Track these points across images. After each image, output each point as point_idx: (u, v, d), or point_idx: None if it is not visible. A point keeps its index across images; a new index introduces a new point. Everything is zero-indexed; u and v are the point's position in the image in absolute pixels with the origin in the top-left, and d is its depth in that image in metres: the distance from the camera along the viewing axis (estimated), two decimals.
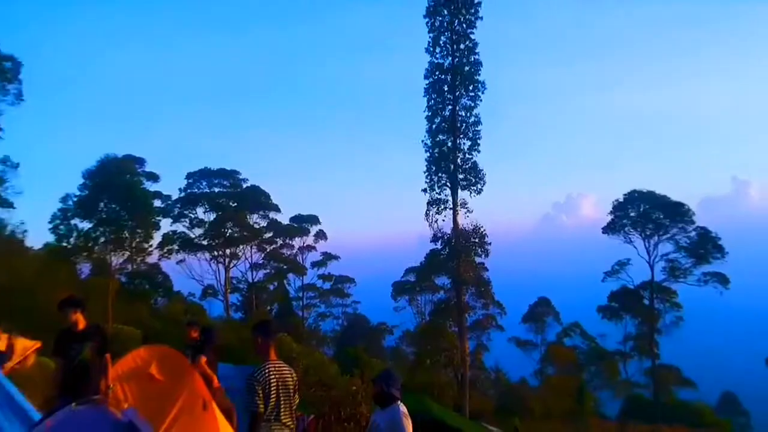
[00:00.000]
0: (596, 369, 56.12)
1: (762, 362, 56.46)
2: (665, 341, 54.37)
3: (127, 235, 39.74)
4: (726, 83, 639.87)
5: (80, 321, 8.30)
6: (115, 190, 38.55)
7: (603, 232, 56.54)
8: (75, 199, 39.10)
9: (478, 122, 39.60)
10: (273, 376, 6.65)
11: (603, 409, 56.86)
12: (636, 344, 55.61)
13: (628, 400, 56.09)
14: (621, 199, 55.75)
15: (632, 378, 56.07)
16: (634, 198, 55.19)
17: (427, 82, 40.26)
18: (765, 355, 56.55)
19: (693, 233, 53.36)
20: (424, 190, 40.06)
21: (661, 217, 53.92)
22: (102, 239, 38.93)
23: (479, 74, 39.58)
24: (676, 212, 53.77)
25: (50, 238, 40.11)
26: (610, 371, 55.78)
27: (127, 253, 41.09)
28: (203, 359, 10.16)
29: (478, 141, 39.55)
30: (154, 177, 52.20)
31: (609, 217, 56.34)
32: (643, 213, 54.61)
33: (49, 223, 39.34)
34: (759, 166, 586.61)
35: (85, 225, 39.08)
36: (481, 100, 39.68)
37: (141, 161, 50.57)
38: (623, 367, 56.69)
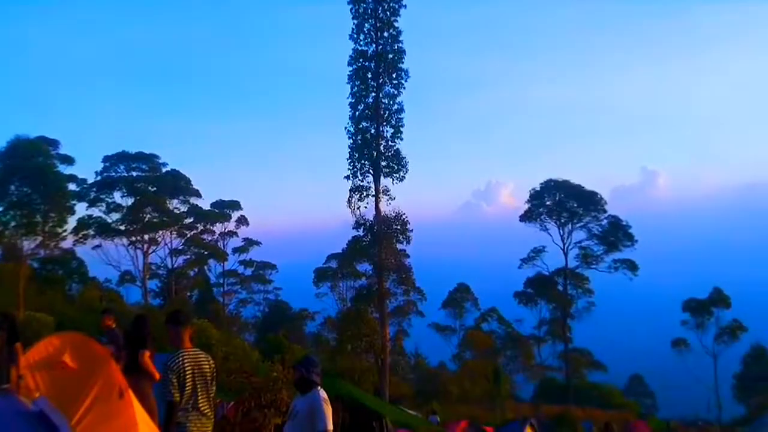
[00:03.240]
0: (512, 353, 57.65)
1: (668, 346, 58.98)
2: (577, 326, 56.48)
3: (39, 219, 38.27)
4: (635, 77, 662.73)
5: None
6: (26, 173, 37.14)
7: (520, 220, 58.07)
8: None
9: (401, 110, 39.79)
10: (188, 364, 6.61)
11: (518, 392, 58.68)
12: (550, 329, 57.40)
13: (541, 383, 58.08)
14: (537, 188, 57.37)
15: (546, 362, 57.96)
16: (550, 187, 56.86)
17: (350, 68, 40.15)
18: (671, 339, 58.98)
19: (605, 221, 55.52)
20: (347, 177, 40.05)
21: (575, 205, 55.81)
22: (12, 223, 37.52)
23: (403, 62, 39.81)
24: (590, 201, 55.75)
25: None
26: (525, 355, 57.44)
27: (40, 237, 39.54)
28: (146, 354, 9.21)
29: (401, 128, 39.79)
30: (68, 160, 49.93)
31: (526, 206, 57.96)
32: (559, 201, 56.38)
33: None
34: (666, 157, 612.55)
35: None
36: (404, 88, 39.91)
37: (55, 143, 48.35)
38: (537, 351, 58.44)
